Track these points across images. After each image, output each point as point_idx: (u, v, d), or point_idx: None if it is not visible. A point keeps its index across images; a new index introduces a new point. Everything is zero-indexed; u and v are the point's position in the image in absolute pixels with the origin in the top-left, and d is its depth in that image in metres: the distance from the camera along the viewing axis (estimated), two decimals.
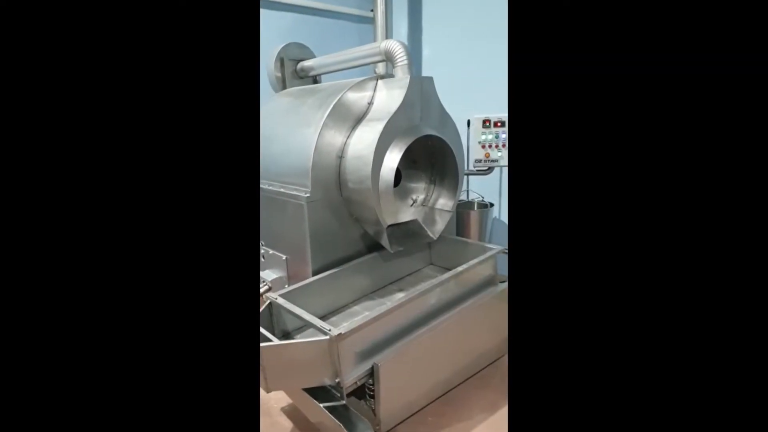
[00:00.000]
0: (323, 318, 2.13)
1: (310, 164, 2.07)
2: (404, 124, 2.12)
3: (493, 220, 3.38)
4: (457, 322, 1.98)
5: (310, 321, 1.67)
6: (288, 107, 2.50)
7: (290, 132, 2.31)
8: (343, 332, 1.56)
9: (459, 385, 2.11)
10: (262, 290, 2.44)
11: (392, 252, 2.29)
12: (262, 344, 1.57)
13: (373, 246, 2.41)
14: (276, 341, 1.61)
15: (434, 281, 1.92)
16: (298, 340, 1.59)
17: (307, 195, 2.08)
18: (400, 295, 2.29)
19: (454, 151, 2.32)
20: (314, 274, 2.17)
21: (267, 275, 2.45)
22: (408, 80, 2.09)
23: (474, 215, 3.24)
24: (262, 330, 1.73)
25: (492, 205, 3.30)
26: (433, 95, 2.25)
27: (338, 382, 1.61)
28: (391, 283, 2.46)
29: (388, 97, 2.18)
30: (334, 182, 2.18)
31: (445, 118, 2.34)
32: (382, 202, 2.07)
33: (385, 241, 2.24)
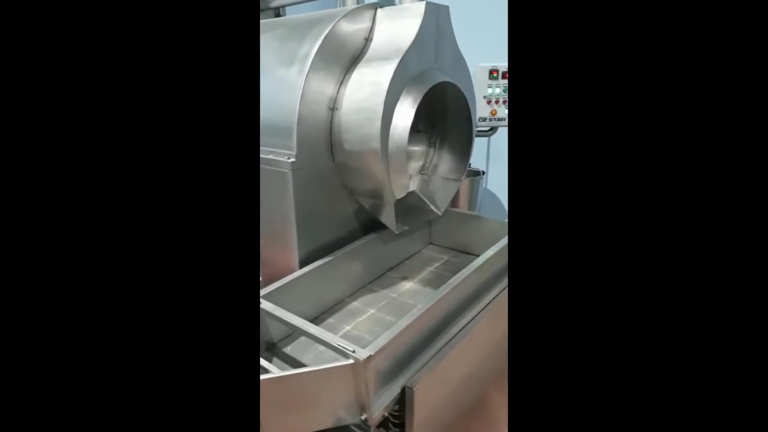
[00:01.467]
0: (316, 320, 1.65)
1: (296, 118, 1.53)
2: (415, 67, 1.63)
3: (483, 189, 3.02)
4: (489, 318, 1.59)
5: (324, 339, 1.19)
6: None
7: (262, 76, 1.73)
8: (373, 353, 1.10)
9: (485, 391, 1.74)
10: None
11: (397, 232, 1.83)
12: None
13: (368, 225, 1.94)
14: (276, 372, 1.12)
15: (466, 271, 1.49)
16: (309, 368, 1.12)
17: (292, 160, 1.55)
18: (406, 285, 1.87)
19: (470, 105, 1.87)
20: (301, 262, 1.67)
21: None
22: (423, 7, 1.59)
23: (464, 184, 2.85)
24: None
25: (483, 173, 2.92)
26: (449, 31, 1.76)
27: (365, 419, 1.16)
28: (389, 270, 2.01)
29: (393, 31, 1.67)
30: (324, 143, 1.66)
31: (459, 61, 1.87)
32: (392, 170, 1.60)
33: (389, 220, 1.77)
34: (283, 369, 1.25)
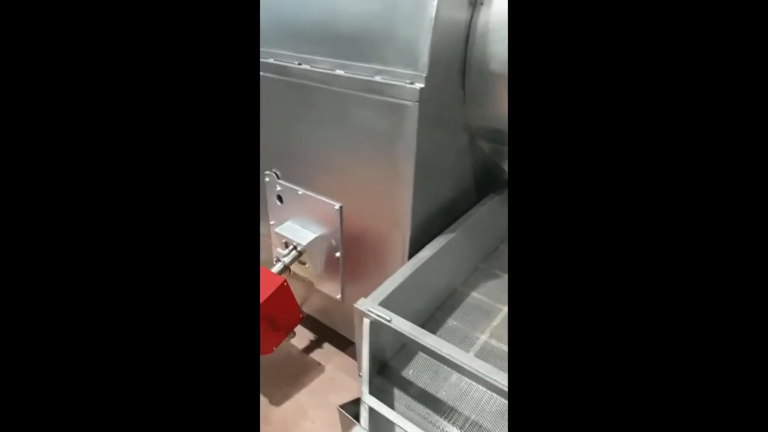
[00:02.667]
0: (431, 322, 1.17)
1: (432, 14, 0.94)
2: None
3: None
4: None
5: None
6: None
7: None
8: None
9: None
10: (286, 261, 1.38)
11: None
12: None
13: (483, 182, 1.40)
14: None
15: None
16: None
17: (420, 86, 0.97)
18: None
19: None
20: (414, 237, 1.15)
21: (294, 233, 1.37)
22: None
23: None
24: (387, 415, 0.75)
25: None
26: None
27: None
28: (503, 242, 1.51)
29: None
30: (458, 62, 1.08)
31: None
32: None
33: None
34: (412, 408, 0.79)
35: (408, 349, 1.08)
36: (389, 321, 0.86)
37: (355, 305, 0.92)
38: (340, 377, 1.52)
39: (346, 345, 1.62)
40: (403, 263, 1.18)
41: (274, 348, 1.31)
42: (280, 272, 1.38)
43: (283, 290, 1.26)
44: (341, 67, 1.11)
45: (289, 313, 1.32)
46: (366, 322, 0.90)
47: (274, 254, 1.55)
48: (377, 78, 1.03)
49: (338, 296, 1.43)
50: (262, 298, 1.21)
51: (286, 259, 1.38)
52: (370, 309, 0.89)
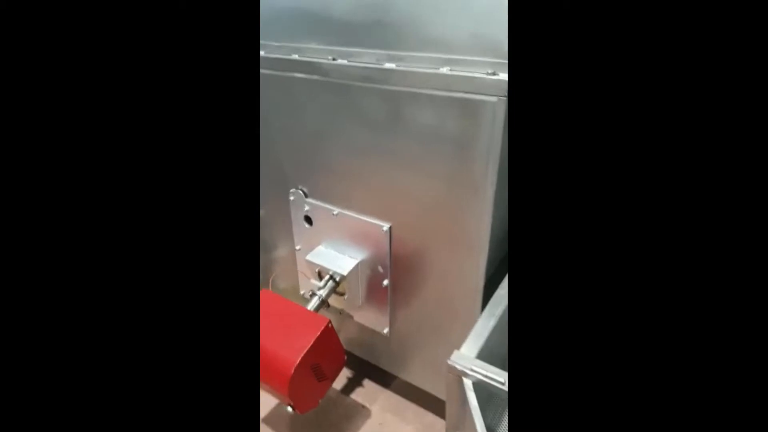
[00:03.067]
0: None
1: None
2: None
3: None
4: None
5: None
6: None
7: None
8: None
9: None
10: (322, 294, 1.17)
11: None
12: None
13: None
14: None
15: None
16: None
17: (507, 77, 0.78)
18: None
19: None
20: (489, 259, 0.96)
21: (329, 261, 1.16)
22: None
23: None
24: None
25: None
26: None
27: None
28: None
29: None
30: None
31: None
32: None
33: None
34: None
35: (497, 399, 0.88)
36: (503, 384, 0.66)
37: (450, 362, 0.71)
38: (390, 421, 1.31)
39: (390, 380, 1.42)
40: (475, 291, 0.99)
41: (320, 401, 1.10)
42: (317, 308, 1.16)
43: (328, 333, 1.05)
44: (392, 59, 0.90)
45: (335, 358, 1.10)
46: (467, 383, 0.69)
47: (302, 285, 1.33)
48: (444, 70, 0.83)
49: (385, 330, 1.22)
50: (305, 345, 0.99)
51: (323, 292, 1.17)
52: (475, 368, 0.69)
